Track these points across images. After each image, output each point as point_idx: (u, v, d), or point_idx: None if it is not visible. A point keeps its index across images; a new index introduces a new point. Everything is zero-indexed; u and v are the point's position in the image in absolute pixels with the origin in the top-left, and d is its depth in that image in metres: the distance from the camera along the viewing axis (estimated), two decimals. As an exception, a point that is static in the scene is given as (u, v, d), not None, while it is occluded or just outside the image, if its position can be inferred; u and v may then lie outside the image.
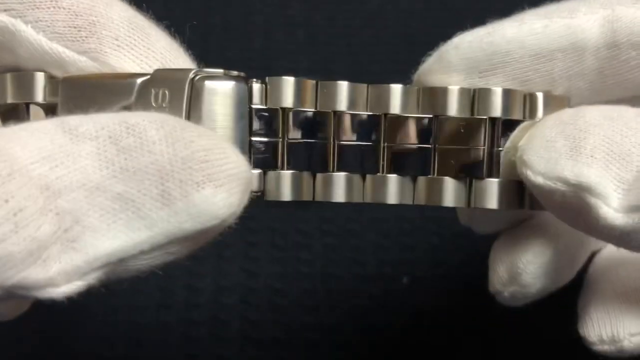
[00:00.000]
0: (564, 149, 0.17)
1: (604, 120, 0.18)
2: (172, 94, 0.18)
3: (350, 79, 0.46)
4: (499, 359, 0.32)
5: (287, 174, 0.19)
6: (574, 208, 0.17)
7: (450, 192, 0.19)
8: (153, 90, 0.18)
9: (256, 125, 0.19)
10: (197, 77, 0.18)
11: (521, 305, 0.23)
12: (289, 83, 0.19)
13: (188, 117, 0.17)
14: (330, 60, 0.45)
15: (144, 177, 0.15)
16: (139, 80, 0.18)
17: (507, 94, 0.19)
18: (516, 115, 0.19)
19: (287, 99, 0.19)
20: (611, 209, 0.17)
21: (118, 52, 0.18)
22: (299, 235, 0.35)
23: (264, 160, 0.19)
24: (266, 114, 0.19)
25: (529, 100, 0.19)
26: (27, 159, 0.14)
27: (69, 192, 0.14)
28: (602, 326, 0.21)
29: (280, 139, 0.19)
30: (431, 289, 0.34)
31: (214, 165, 0.16)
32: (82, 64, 0.18)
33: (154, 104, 0.18)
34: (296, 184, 0.19)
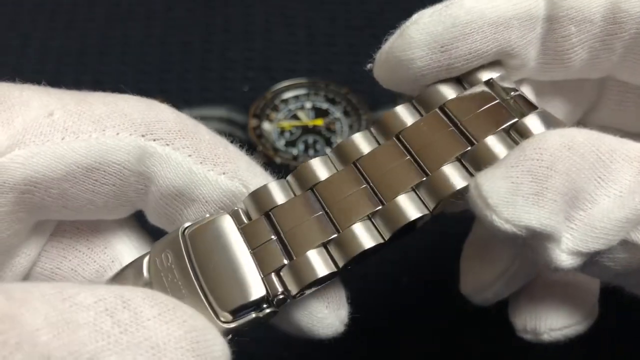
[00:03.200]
0: (530, 193, 0.17)
1: (564, 150, 0.17)
2: (174, 252, 0.19)
3: (351, 78, 0.46)
4: (499, 358, 0.32)
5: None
6: (531, 248, 0.18)
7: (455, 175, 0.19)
8: (157, 259, 0.19)
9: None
10: (185, 229, 0.19)
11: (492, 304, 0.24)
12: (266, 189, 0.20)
13: (192, 264, 0.19)
14: (330, 60, 0.45)
15: (136, 353, 0.15)
16: (145, 260, 0.20)
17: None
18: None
19: (273, 202, 0.20)
20: (562, 252, 0.17)
21: (248, 173, 0.20)
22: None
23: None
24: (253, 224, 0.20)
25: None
26: (35, 326, 0.14)
27: None
28: (527, 317, 0.23)
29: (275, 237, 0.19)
30: (431, 289, 0.34)
31: (203, 347, 0.16)
32: (222, 183, 0.20)
33: (161, 270, 0.19)
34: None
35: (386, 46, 0.21)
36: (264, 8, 0.47)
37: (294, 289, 0.18)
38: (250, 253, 0.19)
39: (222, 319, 0.18)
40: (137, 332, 0.15)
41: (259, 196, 0.20)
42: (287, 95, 0.42)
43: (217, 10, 0.48)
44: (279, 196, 0.20)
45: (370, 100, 0.41)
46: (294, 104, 0.41)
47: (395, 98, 0.30)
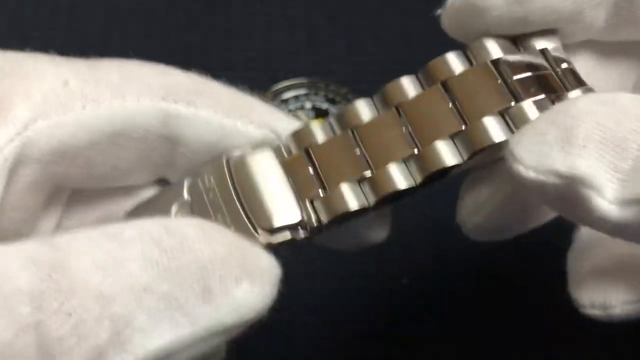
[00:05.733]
0: (554, 141, 0.17)
1: (597, 106, 0.17)
2: (216, 176, 0.20)
3: (351, 79, 0.46)
4: (499, 358, 0.32)
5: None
6: (567, 200, 0.17)
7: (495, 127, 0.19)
8: (200, 180, 0.20)
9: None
10: (229, 157, 0.20)
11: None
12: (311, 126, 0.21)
13: (234, 187, 0.20)
14: (330, 60, 0.45)
15: (186, 275, 0.16)
16: (185, 182, 0.21)
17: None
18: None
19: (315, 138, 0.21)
20: (605, 200, 0.16)
21: (273, 118, 0.21)
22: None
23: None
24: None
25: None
26: (82, 270, 0.15)
27: (120, 297, 0.15)
28: (594, 291, 0.21)
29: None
30: (431, 289, 0.34)
31: (249, 262, 0.17)
32: (252, 132, 0.21)
33: (202, 190, 0.20)
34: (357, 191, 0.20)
35: None
36: (264, 8, 0.47)
37: (325, 219, 0.19)
38: (289, 183, 0.20)
39: (260, 236, 0.19)
40: (184, 256, 0.16)
41: (299, 134, 0.21)
42: (287, 95, 0.42)
43: (217, 10, 0.48)
44: (319, 135, 0.21)
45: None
46: (294, 104, 0.41)
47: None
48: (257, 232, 0.19)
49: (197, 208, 0.20)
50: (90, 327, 0.14)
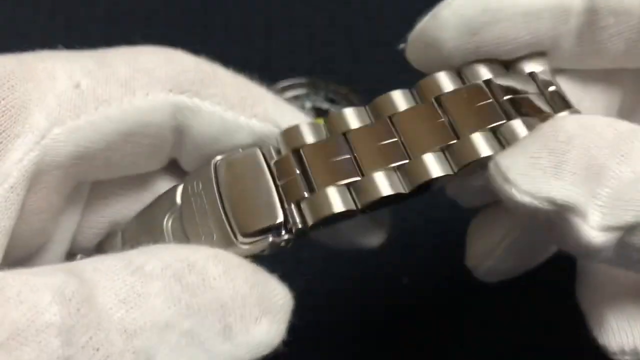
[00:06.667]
0: (548, 166, 0.17)
1: (581, 130, 0.18)
2: (204, 180, 0.20)
3: (351, 78, 0.46)
4: (499, 358, 0.32)
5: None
6: (555, 225, 0.17)
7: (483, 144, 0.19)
8: (189, 187, 0.20)
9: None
10: (217, 160, 0.20)
11: (496, 282, 0.24)
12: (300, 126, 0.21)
13: (219, 191, 0.20)
14: (330, 60, 0.45)
15: (207, 313, 0.16)
16: (179, 188, 0.21)
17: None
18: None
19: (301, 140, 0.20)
20: (591, 228, 0.17)
21: (277, 112, 0.21)
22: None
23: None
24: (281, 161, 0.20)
25: None
26: (108, 305, 0.15)
27: (143, 331, 0.15)
28: (623, 336, 0.20)
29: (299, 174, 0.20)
30: (431, 289, 0.34)
31: (267, 300, 0.17)
32: (254, 126, 0.21)
33: (191, 196, 0.20)
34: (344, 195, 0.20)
35: (418, 27, 0.21)
36: (264, 8, 0.47)
37: (310, 220, 0.19)
38: (275, 185, 0.20)
39: (240, 240, 0.19)
40: (205, 294, 0.16)
41: (289, 134, 0.21)
42: (287, 95, 0.42)
43: (217, 10, 0.48)
44: (309, 136, 0.20)
45: (370, 100, 0.41)
46: (294, 104, 0.41)
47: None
48: (236, 239, 0.19)
49: (186, 215, 0.20)
50: None
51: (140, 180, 0.22)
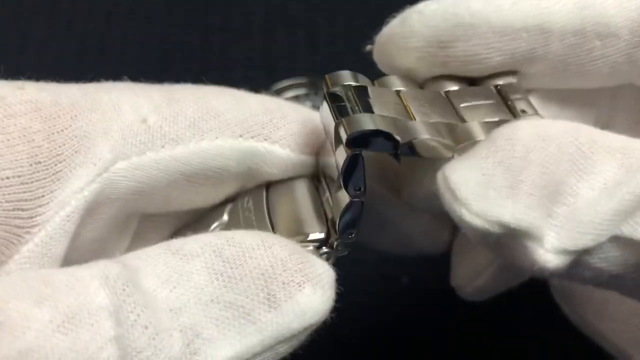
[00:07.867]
0: (503, 186, 0.16)
1: (538, 141, 0.16)
2: (254, 199, 0.21)
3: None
4: (500, 357, 0.32)
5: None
6: (507, 248, 0.16)
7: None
8: (239, 203, 0.21)
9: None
10: (269, 185, 0.21)
11: (482, 300, 0.24)
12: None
13: (268, 208, 0.20)
14: (330, 60, 0.45)
15: (250, 283, 0.16)
16: (228, 206, 0.21)
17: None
18: None
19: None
20: (546, 251, 0.16)
21: (326, 153, 0.21)
22: (299, 235, 0.35)
23: None
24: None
25: None
26: (151, 286, 0.15)
27: (187, 308, 0.15)
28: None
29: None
30: (431, 289, 0.34)
31: (308, 266, 0.17)
32: (310, 162, 0.21)
33: (239, 209, 0.21)
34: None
35: (387, 30, 0.20)
36: (264, 8, 0.47)
37: (344, 135, 0.18)
38: (321, 206, 0.20)
39: None
40: (246, 264, 0.16)
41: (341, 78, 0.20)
42: (287, 95, 0.42)
43: (216, 10, 0.48)
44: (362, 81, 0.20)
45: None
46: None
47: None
48: None
49: (232, 225, 0.21)
50: (164, 339, 0.15)
51: (195, 212, 0.22)
